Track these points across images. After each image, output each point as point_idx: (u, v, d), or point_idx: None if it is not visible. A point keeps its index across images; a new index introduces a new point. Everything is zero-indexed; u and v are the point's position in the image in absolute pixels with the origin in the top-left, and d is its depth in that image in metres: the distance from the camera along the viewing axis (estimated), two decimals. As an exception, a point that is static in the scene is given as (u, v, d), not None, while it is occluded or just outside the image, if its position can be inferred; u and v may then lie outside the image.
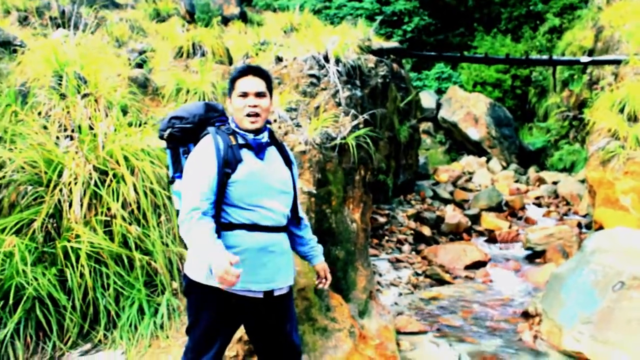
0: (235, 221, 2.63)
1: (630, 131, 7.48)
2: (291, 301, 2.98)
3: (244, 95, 2.69)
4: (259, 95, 2.70)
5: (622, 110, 7.80)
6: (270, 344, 2.87)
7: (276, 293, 2.76)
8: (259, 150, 2.72)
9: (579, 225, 9.73)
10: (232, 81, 2.74)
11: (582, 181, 11.36)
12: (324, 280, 3.09)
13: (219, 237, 2.54)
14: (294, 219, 2.97)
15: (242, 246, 2.61)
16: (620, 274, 4.94)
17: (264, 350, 2.94)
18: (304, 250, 3.05)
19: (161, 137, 2.91)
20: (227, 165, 2.60)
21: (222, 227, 2.61)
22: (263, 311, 2.73)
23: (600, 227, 7.28)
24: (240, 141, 2.70)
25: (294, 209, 2.93)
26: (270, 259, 2.69)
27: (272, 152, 2.82)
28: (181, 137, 2.83)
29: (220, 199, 2.60)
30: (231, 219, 2.63)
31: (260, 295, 2.70)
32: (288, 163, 2.89)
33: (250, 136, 2.71)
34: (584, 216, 10.36)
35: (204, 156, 2.63)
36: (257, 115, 2.69)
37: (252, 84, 2.70)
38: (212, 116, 2.83)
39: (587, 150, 8.50)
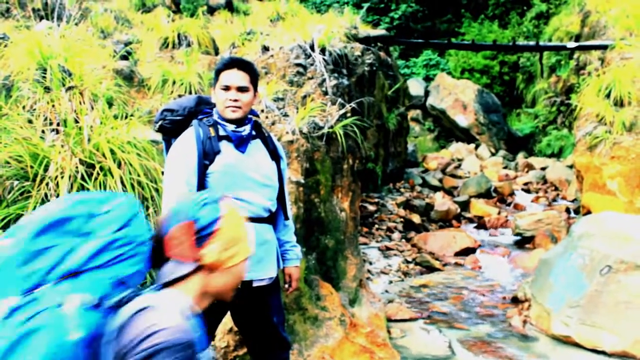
0: None
1: (617, 116, 7.53)
2: (276, 293, 2.97)
3: (226, 88, 2.69)
4: (241, 89, 2.70)
5: (608, 96, 7.84)
6: (258, 335, 2.88)
7: (255, 284, 2.75)
8: (239, 143, 2.71)
9: (567, 210, 9.80)
10: (217, 73, 2.75)
11: (570, 166, 11.43)
12: (286, 286, 3.07)
13: None
14: (283, 213, 2.96)
15: None
16: (608, 258, 4.99)
17: (252, 342, 2.95)
18: (280, 250, 3.04)
19: (155, 129, 2.93)
20: (206, 156, 2.62)
21: None
22: (243, 301, 2.72)
23: (588, 212, 7.33)
24: (221, 133, 2.70)
25: (282, 203, 2.93)
26: None
27: (255, 145, 2.81)
28: (172, 129, 2.84)
29: (201, 190, 2.61)
30: None
31: (239, 285, 2.71)
32: (275, 157, 2.88)
33: (231, 128, 2.70)
34: (572, 201, 10.44)
35: (184, 148, 2.65)
36: (238, 107, 2.69)
37: (235, 77, 2.69)
38: (203, 109, 2.83)
39: (575, 135, 8.54)
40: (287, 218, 3.00)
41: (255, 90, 2.81)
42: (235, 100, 2.68)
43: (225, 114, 2.71)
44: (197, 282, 1.54)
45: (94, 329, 1.26)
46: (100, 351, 1.27)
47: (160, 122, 2.85)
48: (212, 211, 1.55)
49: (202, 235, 1.53)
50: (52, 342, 1.20)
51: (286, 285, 3.08)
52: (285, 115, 5.45)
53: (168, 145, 2.90)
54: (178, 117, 2.81)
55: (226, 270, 1.59)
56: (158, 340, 1.27)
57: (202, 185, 2.62)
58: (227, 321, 3.43)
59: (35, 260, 1.28)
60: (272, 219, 2.88)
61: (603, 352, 4.74)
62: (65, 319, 1.23)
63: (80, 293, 1.28)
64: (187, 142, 2.65)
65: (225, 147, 2.69)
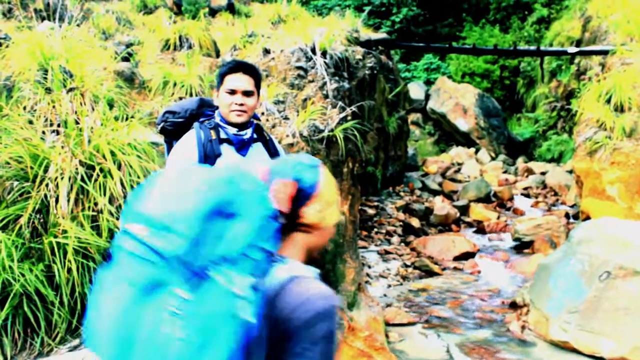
0: None
1: (617, 121, 7.53)
2: None
3: (232, 92, 2.69)
4: (247, 93, 2.70)
5: (608, 101, 7.84)
6: None
7: None
8: (240, 147, 2.72)
9: (567, 215, 9.80)
10: (222, 75, 2.73)
11: (570, 172, 11.43)
12: None
13: None
14: None
15: None
16: (607, 263, 4.99)
17: None
18: None
19: (157, 131, 2.95)
20: (206, 159, 2.62)
21: None
22: None
23: (588, 217, 7.33)
24: (222, 136, 2.70)
25: None
26: None
27: (257, 148, 2.81)
28: (174, 131, 2.85)
29: None
30: None
31: None
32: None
33: (233, 132, 2.71)
34: (572, 206, 10.44)
35: (185, 151, 2.65)
36: (243, 111, 2.69)
37: (241, 81, 2.69)
38: (205, 111, 2.84)
39: (575, 140, 8.54)
40: None
41: (259, 94, 2.82)
42: (241, 105, 2.68)
43: (231, 118, 2.70)
44: (300, 243, 1.60)
45: (260, 307, 1.31)
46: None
47: (162, 124, 2.86)
48: (314, 174, 1.61)
49: (304, 195, 1.58)
50: (233, 326, 1.24)
51: None
52: (286, 118, 5.46)
53: (169, 147, 2.91)
54: (179, 119, 2.82)
55: (320, 232, 1.63)
56: (319, 306, 1.37)
57: None
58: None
59: (199, 246, 1.27)
60: None
61: (601, 358, 4.74)
62: (240, 303, 1.26)
63: (241, 275, 1.29)
64: (188, 144, 2.66)
65: (226, 150, 2.69)
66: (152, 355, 1.20)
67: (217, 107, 2.86)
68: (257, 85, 2.78)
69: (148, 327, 1.21)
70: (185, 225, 1.25)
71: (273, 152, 2.88)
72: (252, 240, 1.33)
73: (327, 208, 1.64)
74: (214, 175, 1.36)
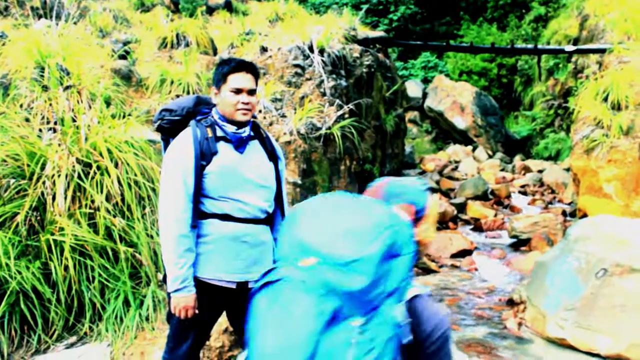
0: (207, 211, 2.65)
1: (614, 119, 7.54)
2: None
3: (238, 91, 2.69)
4: (251, 92, 2.72)
5: (606, 99, 7.85)
6: None
7: (251, 285, 2.75)
8: (238, 144, 2.72)
9: (564, 213, 9.81)
10: (224, 75, 2.73)
11: (567, 169, 11.45)
12: None
13: (196, 226, 2.62)
14: (280, 214, 2.97)
15: (214, 234, 2.64)
16: (603, 261, 4.99)
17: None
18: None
19: (154, 129, 2.95)
20: (203, 157, 2.62)
21: (198, 215, 2.64)
22: (238, 302, 2.73)
23: (585, 215, 7.34)
24: (219, 133, 2.70)
25: (279, 204, 2.94)
26: (244, 250, 2.70)
27: (254, 146, 2.81)
28: (170, 129, 2.84)
29: (198, 190, 2.62)
30: (205, 209, 2.65)
31: (233, 286, 2.71)
32: (273, 157, 2.88)
33: (231, 130, 2.71)
34: (569, 204, 10.45)
35: (181, 149, 2.65)
36: (248, 110, 2.71)
37: (246, 80, 2.70)
38: (201, 109, 2.83)
39: (572, 138, 8.55)
40: (283, 219, 3.00)
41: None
42: (247, 104, 2.69)
43: (237, 116, 2.71)
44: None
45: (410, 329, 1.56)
46: None
47: (158, 122, 2.86)
48: (425, 198, 1.84)
49: (418, 217, 1.81)
50: (395, 347, 1.48)
51: None
52: (283, 116, 5.46)
53: (166, 145, 2.90)
54: (176, 117, 2.82)
55: (422, 247, 1.84)
56: (447, 323, 1.65)
57: (198, 185, 2.62)
58: (223, 321, 3.44)
59: (375, 284, 1.48)
60: (269, 220, 2.88)
61: (598, 355, 4.75)
62: (401, 329, 1.51)
63: (397, 304, 1.52)
64: (185, 142, 2.66)
65: (223, 148, 2.69)
66: None
67: (214, 105, 2.85)
68: (257, 84, 2.80)
69: (329, 349, 1.41)
70: (369, 267, 1.46)
71: (270, 150, 2.88)
72: (406, 273, 1.57)
73: (432, 226, 1.86)
74: (381, 219, 1.55)
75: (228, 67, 2.73)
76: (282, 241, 1.64)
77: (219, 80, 2.73)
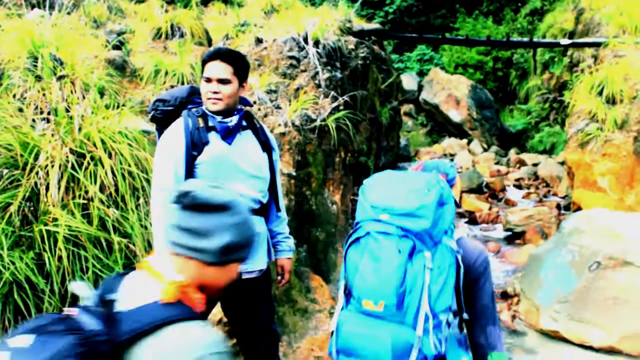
0: None
1: (609, 113, 7.55)
2: (267, 285, 2.97)
3: (208, 80, 2.68)
4: (222, 81, 2.68)
5: (600, 93, 7.86)
6: (247, 327, 2.88)
7: (244, 276, 2.75)
8: (226, 134, 2.70)
9: (558, 206, 9.83)
10: (203, 63, 2.74)
11: (562, 163, 11.47)
12: (278, 278, 3.08)
13: None
14: (275, 205, 2.96)
15: None
16: (597, 254, 5.01)
17: (241, 333, 2.95)
18: (272, 242, 3.04)
19: (148, 120, 2.94)
20: (194, 147, 2.61)
21: None
22: (232, 293, 2.72)
23: (579, 208, 7.37)
24: (210, 123, 2.69)
25: (274, 195, 2.93)
26: None
27: (246, 136, 2.80)
28: (164, 119, 2.83)
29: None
30: None
31: None
32: (267, 148, 2.87)
33: (217, 119, 2.70)
34: (563, 197, 10.48)
35: (172, 139, 2.64)
36: (218, 99, 2.68)
37: (217, 69, 2.67)
38: (195, 99, 2.82)
39: (567, 132, 8.57)
40: (279, 210, 2.99)
41: (242, 81, 2.78)
42: (216, 92, 2.67)
43: (207, 105, 2.71)
44: None
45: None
46: None
47: (152, 113, 2.85)
48: (454, 170, 2.55)
49: (449, 185, 2.42)
50: (454, 268, 2.14)
51: (279, 277, 3.08)
52: (278, 107, 5.45)
53: (160, 135, 2.90)
54: (170, 108, 2.81)
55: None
56: (486, 255, 2.32)
57: (190, 175, 2.61)
58: (217, 312, 3.44)
59: (435, 225, 2.11)
60: (263, 210, 2.88)
61: (591, 347, 4.78)
62: (456, 255, 2.16)
63: (451, 238, 2.19)
64: (175, 133, 2.65)
65: (214, 138, 2.68)
66: (415, 288, 1.97)
67: None
68: (238, 73, 2.73)
69: (412, 275, 1.98)
70: (429, 212, 2.04)
71: (263, 140, 2.87)
72: (452, 217, 2.19)
73: (458, 193, 2.56)
74: (430, 179, 2.15)
75: (205, 55, 2.74)
76: (360, 207, 2.22)
77: (202, 70, 2.74)
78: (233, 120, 2.73)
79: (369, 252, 2.05)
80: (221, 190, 1.64)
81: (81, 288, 1.42)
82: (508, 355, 2.46)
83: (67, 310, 1.35)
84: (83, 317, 1.31)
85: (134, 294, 1.39)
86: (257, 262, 2.81)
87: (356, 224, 2.18)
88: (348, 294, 2.12)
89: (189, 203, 1.51)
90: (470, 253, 2.25)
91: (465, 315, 2.25)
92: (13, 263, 3.53)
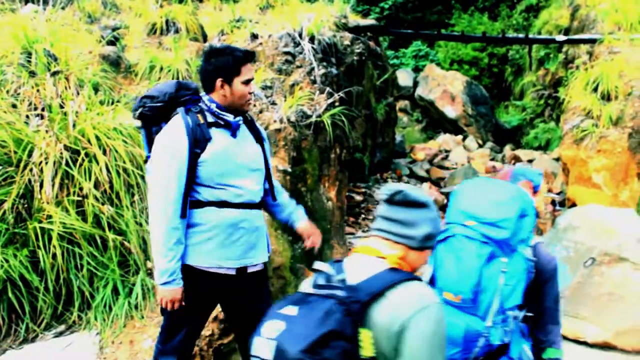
0: (204, 199, 2.62)
1: (604, 110, 7.56)
2: (266, 280, 2.99)
3: (248, 82, 2.70)
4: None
5: (596, 89, 7.87)
6: (248, 321, 2.87)
7: (250, 270, 2.77)
8: (234, 131, 2.74)
9: (553, 202, 9.84)
10: (236, 65, 2.68)
11: (557, 159, 11.48)
12: (307, 241, 3.10)
13: (188, 215, 2.59)
14: (271, 194, 2.97)
15: (211, 223, 2.62)
16: (591, 250, 5.02)
17: (241, 328, 2.94)
18: (284, 216, 3.08)
19: (134, 117, 2.89)
20: (197, 144, 2.58)
21: (191, 205, 2.61)
22: (237, 288, 2.73)
23: (574, 205, 7.37)
24: (210, 119, 2.67)
25: (269, 184, 2.94)
26: (241, 235, 2.69)
27: (243, 131, 2.82)
28: (152, 116, 2.79)
29: (191, 179, 2.59)
30: (200, 198, 2.62)
31: (233, 272, 2.71)
32: (259, 139, 2.88)
33: (231, 117, 2.69)
34: (558, 194, 10.48)
35: (174, 138, 2.60)
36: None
37: (252, 70, 2.74)
38: (184, 94, 2.79)
39: (562, 128, 8.57)
40: (274, 199, 2.99)
41: None
42: (250, 93, 2.74)
43: (247, 107, 2.75)
44: None
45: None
46: None
47: (140, 110, 2.79)
48: (540, 178, 2.91)
49: (534, 192, 2.85)
50: (527, 275, 2.43)
51: (307, 242, 3.11)
52: (273, 103, 5.43)
53: (147, 134, 2.84)
54: (158, 104, 2.77)
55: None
56: (556, 261, 2.55)
57: (192, 174, 2.59)
58: (215, 311, 3.43)
59: (514, 235, 2.40)
60: (262, 204, 2.90)
61: (585, 343, 4.79)
62: (530, 263, 2.44)
63: (526, 247, 2.46)
64: (177, 131, 2.61)
65: (216, 134, 2.67)
66: (490, 288, 2.27)
67: (194, 90, 2.82)
68: None
69: (488, 276, 2.28)
70: (510, 224, 2.34)
71: (256, 132, 2.88)
72: (532, 227, 2.43)
73: (542, 199, 2.95)
74: (517, 191, 2.46)
75: (241, 57, 2.69)
76: (450, 210, 2.50)
77: (232, 71, 2.67)
78: (240, 117, 2.76)
79: (453, 251, 2.35)
80: (421, 190, 2.22)
81: (325, 266, 1.74)
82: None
83: (305, 289, 1.73)
84: (328, 291, 1.66)
85: (358, 270, 1.74)
86: (260, 255, 2.84)
87: (447, 224, 2.48)
88: (432, 283, 2.42)
89: (400, 199, 1.85)
90: (542, 259, 2.49)
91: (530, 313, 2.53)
92: (7, 261, 3.52)
